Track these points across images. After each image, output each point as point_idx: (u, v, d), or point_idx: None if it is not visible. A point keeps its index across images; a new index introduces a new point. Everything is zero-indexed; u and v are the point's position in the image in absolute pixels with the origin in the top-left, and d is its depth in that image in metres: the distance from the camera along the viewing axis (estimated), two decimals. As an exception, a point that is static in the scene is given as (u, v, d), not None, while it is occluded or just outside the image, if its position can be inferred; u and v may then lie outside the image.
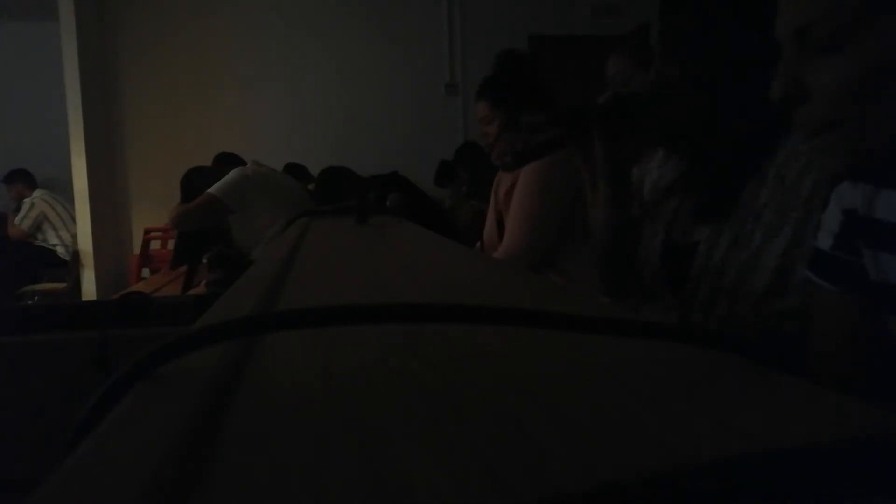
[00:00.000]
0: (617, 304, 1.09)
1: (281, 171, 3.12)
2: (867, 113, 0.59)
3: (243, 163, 2.79)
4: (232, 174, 2.57)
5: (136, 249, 5.01)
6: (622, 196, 1.01)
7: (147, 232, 4.89)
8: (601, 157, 0.99)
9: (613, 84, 1.52)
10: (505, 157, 1.78)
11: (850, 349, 0.70)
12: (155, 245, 4.93)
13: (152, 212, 5.02)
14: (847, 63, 0.59)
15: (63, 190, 5.20)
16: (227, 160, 2.87)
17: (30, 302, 4.41)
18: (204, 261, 2.65)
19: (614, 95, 0.97)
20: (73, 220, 5.11)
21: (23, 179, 5.36)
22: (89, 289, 4.94)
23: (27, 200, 5.25)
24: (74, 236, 5.10)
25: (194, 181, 2.96)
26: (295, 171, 4.32)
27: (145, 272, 4.65)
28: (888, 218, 0.64)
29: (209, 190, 2.52)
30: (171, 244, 4.42)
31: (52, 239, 5.23)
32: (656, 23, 0.96)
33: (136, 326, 1.11)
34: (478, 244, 2.05)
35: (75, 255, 5.06)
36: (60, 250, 5.20)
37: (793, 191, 0.82)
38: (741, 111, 0.88)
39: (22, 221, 5.20)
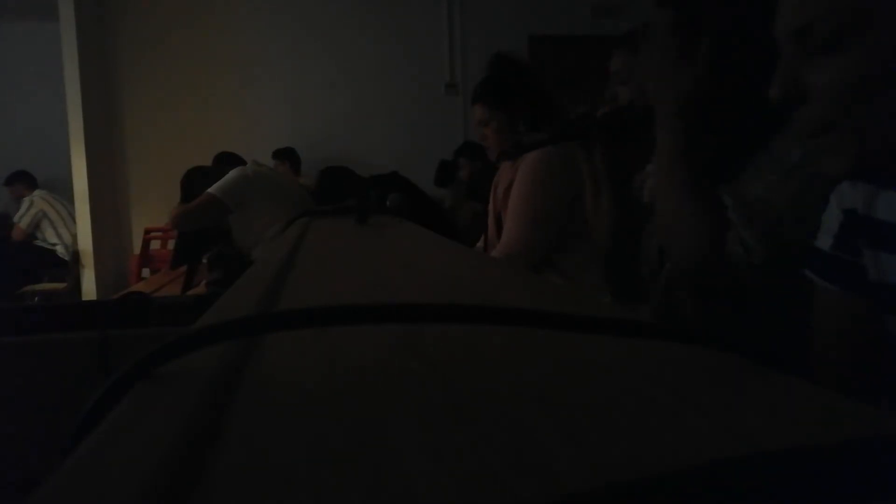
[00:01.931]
0: (618, 304, 1.09)
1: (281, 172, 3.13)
2: (867, 113, 0.59)
3: (243, 163, 2.78)
4: (232, 174, 2.57)
5: (136, 249, 5.01)
6: (625, 203, 1.02)
7: (147, 232, 4.89)
8: (603, 166, 1.02)
9: (615, 80, 1.51)
10: (506, 151, 1.76)
11: (850, 349, 0.70)
12: (155, 245, 4.93)
13: (152, 212, 5.03)
14: (847, 63, 0.58)
15: (63, 190, 5.20)
16: (227, 160, 2.87)
17: (30, 302, 4.41)
18: (204, 261, 2.66)
19: (613, 111, 1.00)
20: (73, 219, 5.12)
21: (23, 180, 5.38)
22: (89, 289, 4.94)
23: (26, 199, 5.27)
24: (74, 236, 5.10)
25: (194, 181, 2.96)
26: (283, 155, 4.37)
27: (145, 272, 4.65)
28: (888, 218, 0.64)
29: (209, 190, 2.52)
30: (171, 244, 4.42)
31: (51, 238, 5.24)
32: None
33: (136, 326, 1.11)
34: (478, 243, 2.04)
35: (75, 254, 5.07)
36: (60, 249, 5.21)
37: (779, 160, 0.81)
38: (730, 122, 0.89)
39: (21, 219, 5.21)
